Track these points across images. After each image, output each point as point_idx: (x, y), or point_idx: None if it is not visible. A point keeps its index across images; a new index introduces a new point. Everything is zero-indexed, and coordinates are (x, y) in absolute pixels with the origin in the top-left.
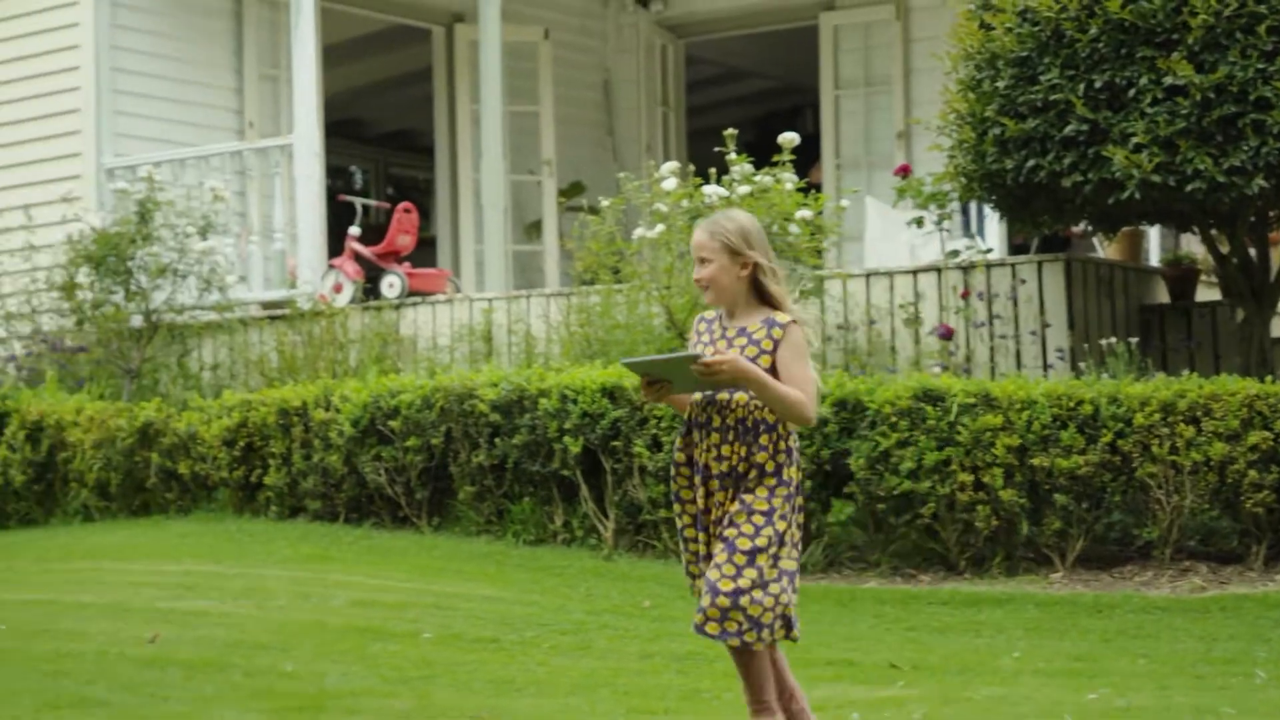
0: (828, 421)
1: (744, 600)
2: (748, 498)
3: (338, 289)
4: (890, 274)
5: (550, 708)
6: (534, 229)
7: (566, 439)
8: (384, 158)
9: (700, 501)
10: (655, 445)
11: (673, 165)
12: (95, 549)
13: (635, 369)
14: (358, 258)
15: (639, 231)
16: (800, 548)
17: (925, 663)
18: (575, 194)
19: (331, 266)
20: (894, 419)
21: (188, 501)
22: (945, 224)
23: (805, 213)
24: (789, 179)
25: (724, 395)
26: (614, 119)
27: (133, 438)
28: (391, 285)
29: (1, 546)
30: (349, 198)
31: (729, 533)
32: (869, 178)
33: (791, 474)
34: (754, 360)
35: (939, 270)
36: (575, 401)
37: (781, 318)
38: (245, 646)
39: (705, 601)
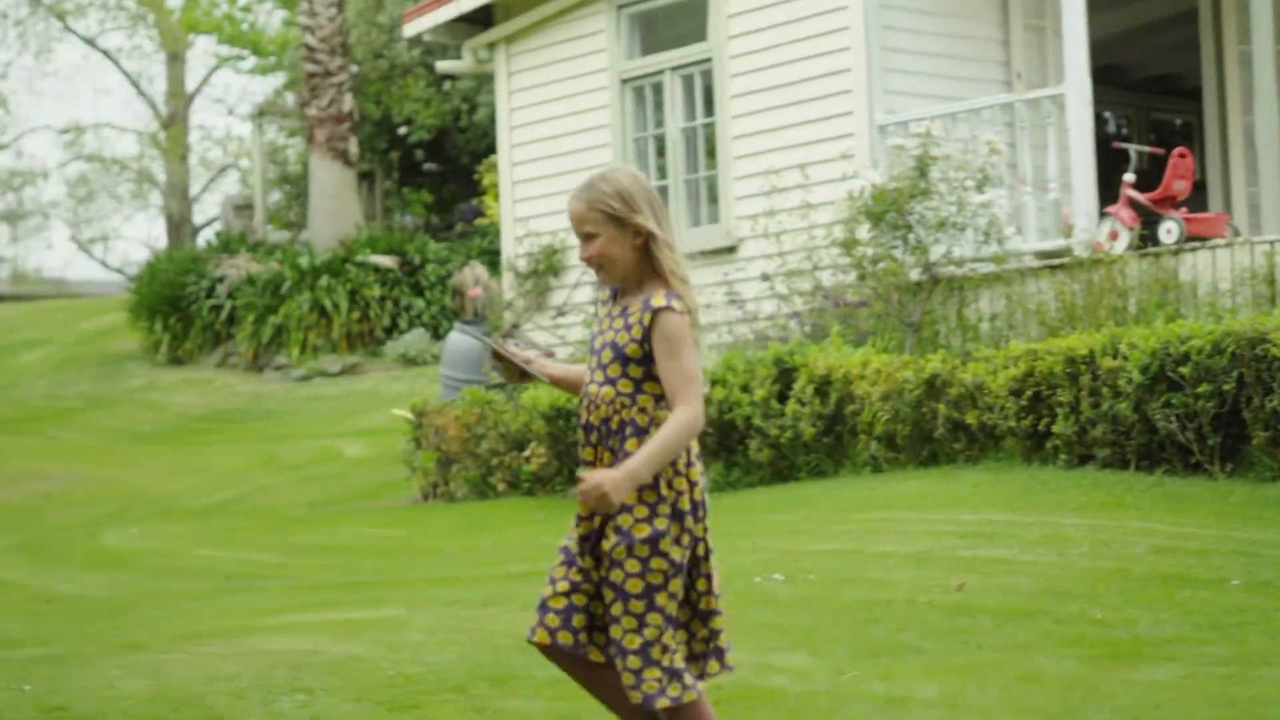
0: None
1: (655, 653)
2: (622, 519)
3: (1113, 236)
4: None
5: None
6: None
7: None
8: (1144, 103)
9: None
10: None
11: None
12: (888, 499)
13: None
14: (1133, 204)
15: None
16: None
17: None
18: None
19: (1106, 214)
20: None
21: (975, 451)
22: None
23: None
24: None
25: (593, 388)
26: None
27: (919, 389)
28: (1169, 231)
29: (797, 498)
30: (1123, 144)
31: (614, 575)
32: None
33: (680, 485)
34: (624, 347)
35: None
36: None
37: (656, 299)
38: (1050, 594)
39: (545, 639)
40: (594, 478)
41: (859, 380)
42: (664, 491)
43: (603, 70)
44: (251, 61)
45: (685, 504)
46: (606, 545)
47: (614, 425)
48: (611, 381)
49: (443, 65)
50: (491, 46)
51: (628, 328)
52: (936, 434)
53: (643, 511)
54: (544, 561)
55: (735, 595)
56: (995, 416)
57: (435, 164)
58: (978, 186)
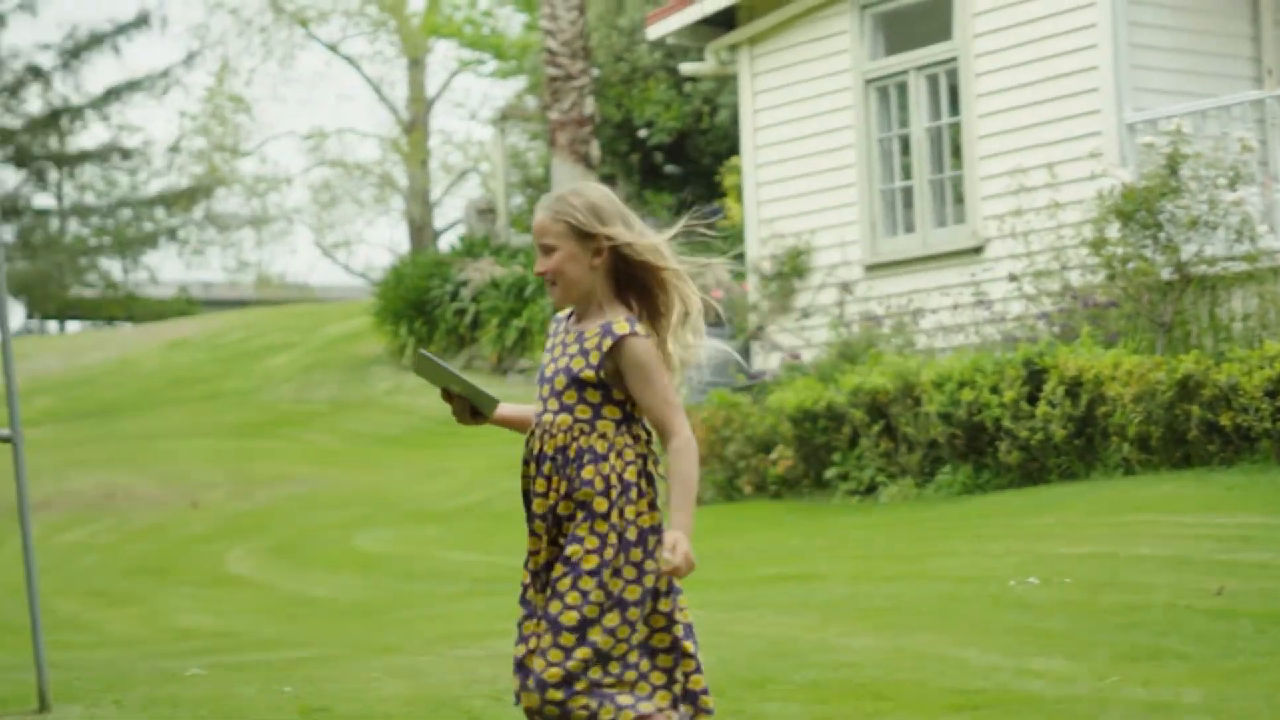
0: None
1: (580, 685)
2: (572, 550)
3: None
4: None
5: None
6: None
7: None
8: None
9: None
10: None
11: None
12: (1142, 502)
13: (423, 372)
14: None
15: None
16: (651, 610)
17: None
18: None
19: None
20: None
21: (1229, 453)
22: None
23: None
24: None
25: (548, 417)
26: None
27: (1172, 390)
28: None
29: (1048, 500)
30: None
31: (552, 607)
32: None
33: (630, 514)
34: (579, 372)
35: None
36: None
37: (618, 326)
38: None
39: (534, 701)
40: (680, 548)
41: (1110, 382)
42: (614, 519)
43: (846, 71)
44: (492, 65)
45: (633, 534)
46: (554, 574)
47: (571, 453)
48: (568, 409)
49: (686, 67)
50: (734, 48)
51: (584, 353)
52: (1190, 436)
53: (593, 542)
54: (794, 565)
55: (989, 599)
56: (1250, 418)
57: (676, 166)
58: (1230, 184)
